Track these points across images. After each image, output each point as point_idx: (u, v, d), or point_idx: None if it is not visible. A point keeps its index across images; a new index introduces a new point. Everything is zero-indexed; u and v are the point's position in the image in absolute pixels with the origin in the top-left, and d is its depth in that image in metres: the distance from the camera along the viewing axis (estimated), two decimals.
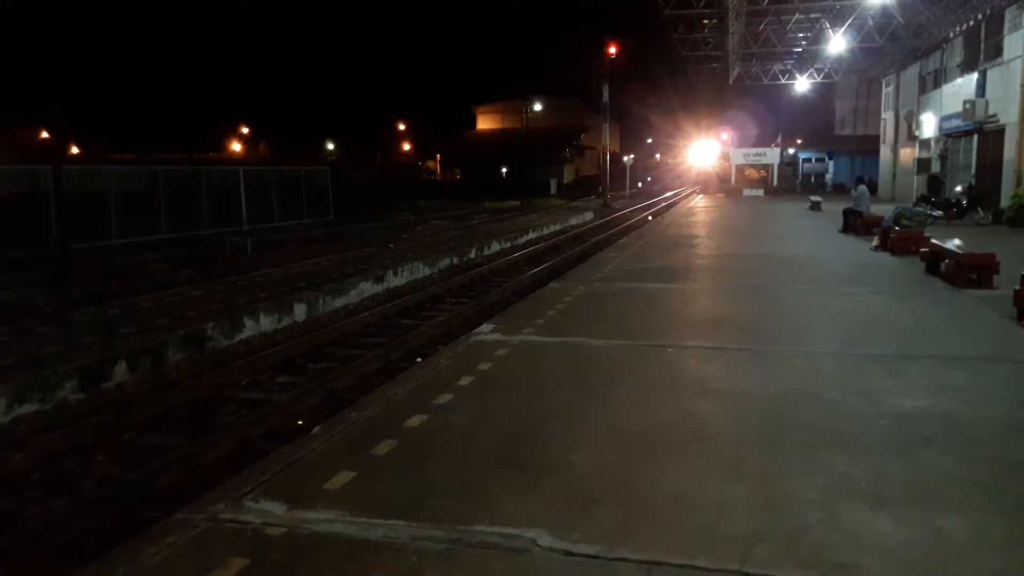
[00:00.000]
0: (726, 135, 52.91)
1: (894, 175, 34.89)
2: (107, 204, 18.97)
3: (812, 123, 53.67)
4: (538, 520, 3.33)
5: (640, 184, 58.19)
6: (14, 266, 14.55)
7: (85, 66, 70.97)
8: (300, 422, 6.51)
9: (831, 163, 49.98)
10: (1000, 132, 21.14)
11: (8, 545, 4.39)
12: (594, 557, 3.03)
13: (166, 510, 3.92)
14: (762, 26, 35.34)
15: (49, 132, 52.21)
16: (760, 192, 42.39)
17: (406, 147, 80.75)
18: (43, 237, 16.30)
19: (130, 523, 4.43)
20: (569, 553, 3.06)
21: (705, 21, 35.25)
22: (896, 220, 14.07)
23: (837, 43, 32.45)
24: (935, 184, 24.51)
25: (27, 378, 6.81)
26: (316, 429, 4.68)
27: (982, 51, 23.08)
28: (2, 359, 7.37)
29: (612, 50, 35.80)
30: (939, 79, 28.02)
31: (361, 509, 3.48)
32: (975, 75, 23.09)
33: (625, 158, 56.53)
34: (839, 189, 42.94)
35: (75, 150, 57.38)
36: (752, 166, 49.35)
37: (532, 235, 22.79)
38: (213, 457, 5.74)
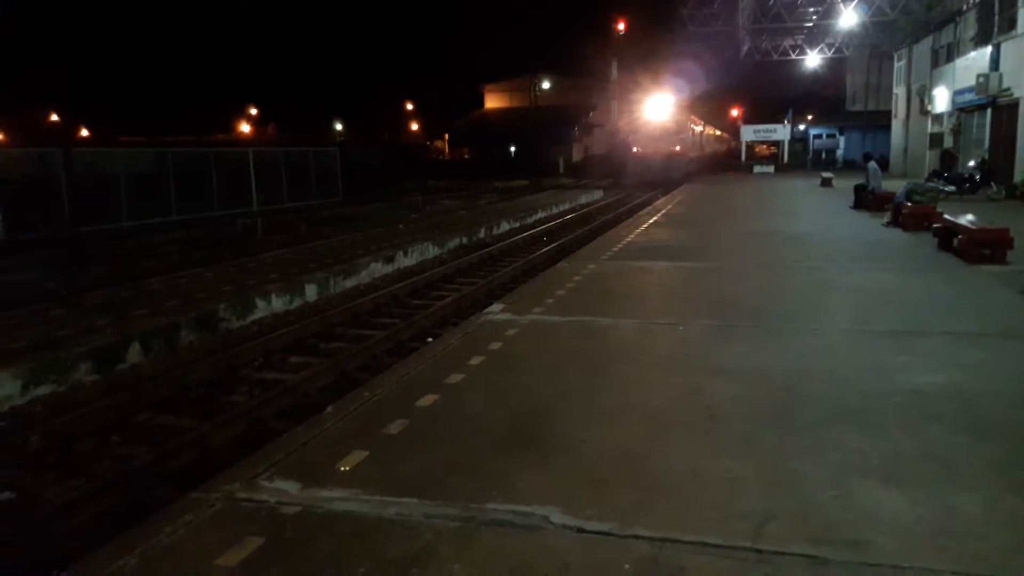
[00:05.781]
0: (736, 111, 52.22)
1: (906, 150, 34.52)
2: (117, 187, 19.08)
3: (823, 98, 53.00)
4: (550, 498, 3.34)
5: None
6: (26, 249, 14.66)
7: (94, 48, 70.85)
8: (313, 402, 6.54)
9: (842, 139, 49.50)
10: (1014, 106, 20.87)
11: (26, 525, 4.45)
12: (607, 534, 3.05)
13: (181, 490, 3.96)
14: (772, 0, 34.88)
15: (58, 115, 52.30)
16: (771, 169, 42.06)
17: (414, 127, 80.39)
18: (54, 220, 16.41)
19: (146, 503, 4.47)
20: (582, 530, 3.08)
21: None
22: (908, 196, 13.94)
23: (848, 17, 32.02)
24: (948, 159, 24.27)
25: (42, 360, 6.87)
26: (329, 409, 4.71)
27: (996, 24, 22.71)
28: (17, 341, 7.44)
29: (620, 26, 35.50)
30: (952, 53, 27.61)
31: (374, 488, 3.51)
32: (989, 48, 22.74)
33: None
34: (850, 165, 42.57)
35: (84, 132, 57.47)
36: (762, 143, 48.88)
37: (541, 214, 22.70)
38: (227, 437, 5.79)
